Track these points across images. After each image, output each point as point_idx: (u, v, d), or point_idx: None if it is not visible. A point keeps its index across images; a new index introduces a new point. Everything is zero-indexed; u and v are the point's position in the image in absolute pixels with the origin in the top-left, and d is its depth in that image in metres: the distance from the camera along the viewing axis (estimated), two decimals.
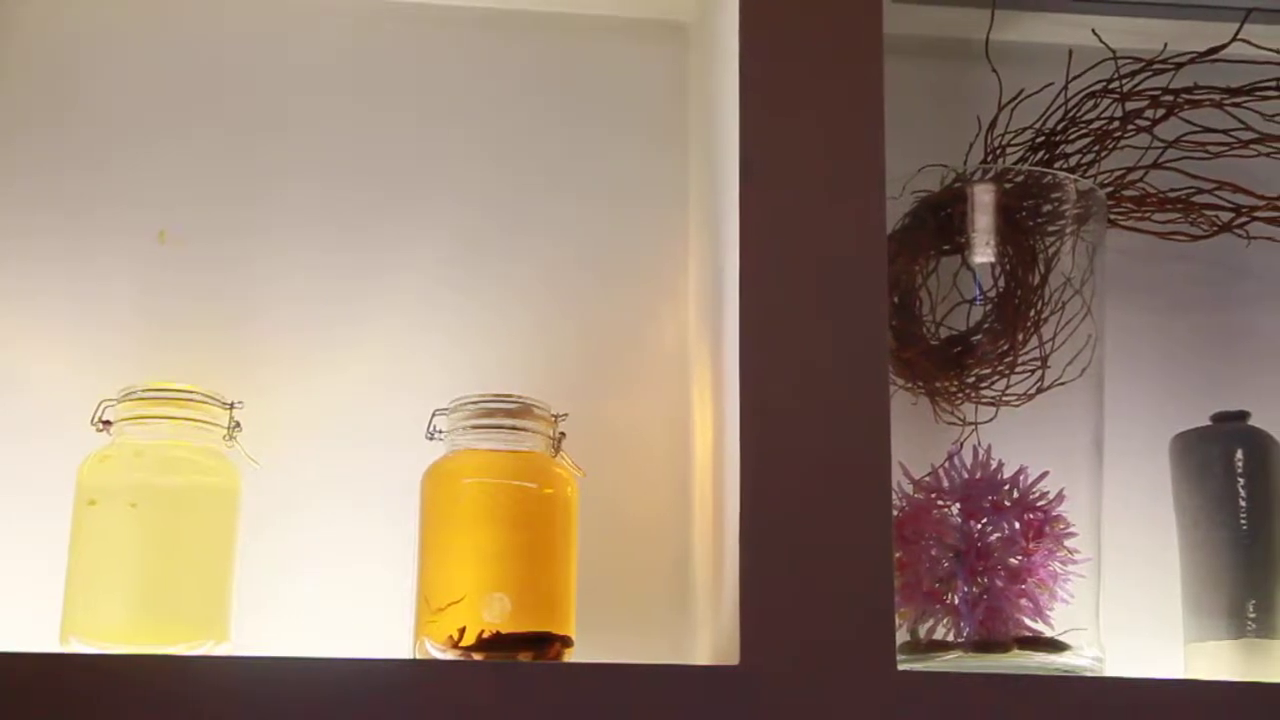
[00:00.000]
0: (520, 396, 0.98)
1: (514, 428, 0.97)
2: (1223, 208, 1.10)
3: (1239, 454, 1.04)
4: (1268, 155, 1.09)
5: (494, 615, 0.93)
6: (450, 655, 0.92)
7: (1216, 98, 1.09)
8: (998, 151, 1.10)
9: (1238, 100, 1.09)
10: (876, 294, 0.90)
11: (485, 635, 0.92)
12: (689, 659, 1.01)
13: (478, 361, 1.08)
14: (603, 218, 1.13)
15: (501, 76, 1.15)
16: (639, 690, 0.84)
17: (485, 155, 1.13)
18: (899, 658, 0.88)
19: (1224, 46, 1.09)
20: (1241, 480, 1.04)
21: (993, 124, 1.10)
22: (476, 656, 0.92)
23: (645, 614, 1.05)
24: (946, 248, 1.03)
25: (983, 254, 1.03)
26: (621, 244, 1.12)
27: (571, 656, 0.95)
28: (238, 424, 0.98)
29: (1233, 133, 1.09)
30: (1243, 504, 1.03)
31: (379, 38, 1.14)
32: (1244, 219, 1.10)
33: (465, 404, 0.98)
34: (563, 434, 0.99)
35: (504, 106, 1.14)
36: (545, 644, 0.93)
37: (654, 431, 1.09)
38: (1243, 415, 1.06)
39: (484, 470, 0.96)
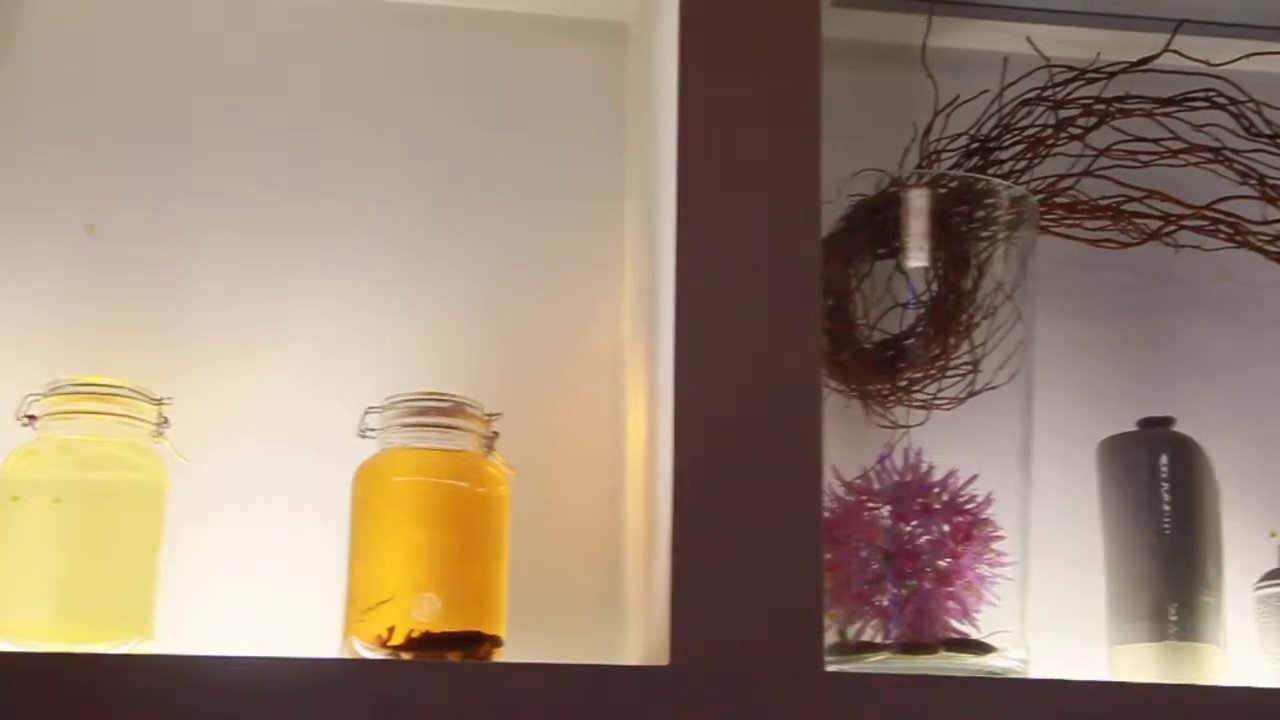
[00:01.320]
0: (453, 395, 0.98)
1: (447, 426, 0.96)
2: (1152, 216, 1.12)
3: (1163, 459, 1.05)
4: (1196, 165, 1.11)
5: (423, 614, 0.92)
6: (379, 654, 0.92)
7: (1147, 107, 1.10)
8: (933, 157, 1.11)
9: (1168, 110, 1.10)
10: (811, 296, 0.90)
11: (414, 635, 0.92)
12: (619, 659, 1.01)
13: (412, 362, 1.08)
14: (539, 218, 1.13)
15: (438, 75, 1.14)
16: (568, 690, 0.83)
17: (421, 155, 1.13)
18: (827, 658, 0.88)
19: (1155, 57, 1.10)
20: (1166, 485, 1.05)
21: (928, 129, 1.11)
22: (405, 656, 0.91)
23: (576, 614, 1.05)
24: (881, 251, 1.04)
25: (916, 258, 1.03)
26: (558, 244, 1.12)
27: (501, 656, 0.94)
28: (165, 420, 0.97)
29: (1162, 142, 1.10)
30: (1166, 509, 1.04)
31: (312, 36, 1.14)
32: (1172, 227, 1.12)
33: (398, 402, 0.97)
34: (496, 433, 0.99)
35: (441, 106, 1.14)
36: (475, 643, 0.93)
37: (587, 432, 1.09)
38: (1168, 421, 1.07)
39: (416, 469, 0.95)
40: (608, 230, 1.12)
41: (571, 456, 1.08)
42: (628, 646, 1.00)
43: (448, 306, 1.10)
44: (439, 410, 0.97)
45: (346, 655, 0.93)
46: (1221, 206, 1.11)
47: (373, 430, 0.98)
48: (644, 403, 1.00)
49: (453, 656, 0.92)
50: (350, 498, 0.97)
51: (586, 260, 1.12)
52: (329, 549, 0.98)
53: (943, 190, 1.05)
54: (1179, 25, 1.12)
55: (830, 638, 0.97)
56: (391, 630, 0.92)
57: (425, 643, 0.92)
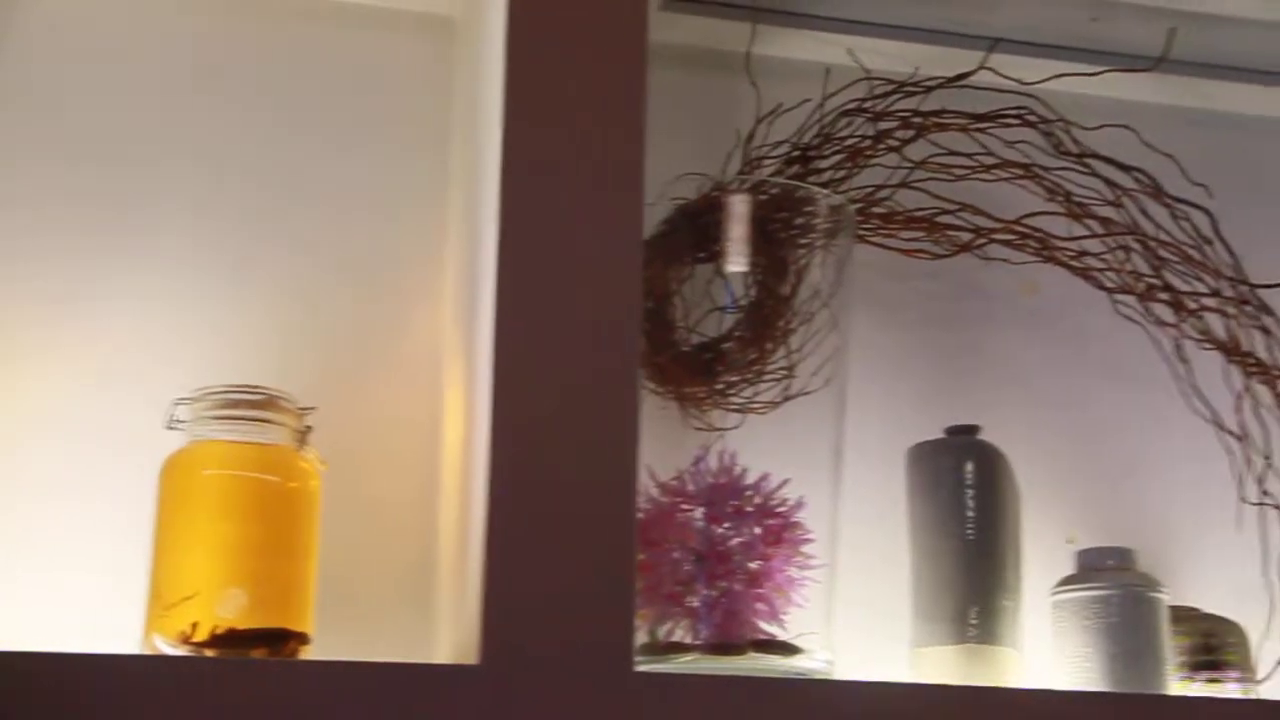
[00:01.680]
0: (266, 388, 0.96)
1: (258, 419, 0.95)
2: (963, 229, 1.14)
3: (969, 466, 1.08)
4: (1007, 180, 1.13)
5: (229, 611, 0.91)
6: (182, 651, 0.90)
7: (962, 122, 1.13)
8: (755, 163, 1.12)
9: (982, 126, 1.13)
10: (631, 298, 0.91)
11: (219, 631, 0.90)
12: (430, 658, 1.00)
13: (227, 357, 1.06)
14: (360, 212, 1.12)
15: (254, 67, 1.12)
16: (376, 689, 0.83)
17: (237, 149, 1.11)
18: (637, 658, 0.88)
19: (971, 73, 1.13)
20: (970, 492, 1.07)
21: (751, 136, 1.12)
22: (209, 653, 0.90)
23: (387, 612, 1.04)
24: (701, 255, 1.04)
25: (736, 263, 1.04)
26: (378, 240, 1.11)
27: (309, 654, 0.93)
28: None
29: (976, 157, 1.13)
30: (970, 515, 1.07)
31: (121, 29, 1.11)
32: (983, 241, 1.14)
33: (209, 394, 0.96)
34: (309, 427, 0.97)
35: (255, 98, 1.12)
36: (281, 640, 0.92)
37: (403, 428, 1.08)
38: (974, 429, 1.10)
39: (225, 461, 0.94)
40: (429, 226, 1.12)
41: (386, 453, 1.07)
42: (439, 645, 1.00)
43: (265, 299, 1.08)
44: (250, 403, 0.95)
45: (148, 652, 0.91)
46: (1030, 222, 1.14)
47: (181, 422, 0.96)
48: (461, 400, 1.00)
49: (258, 653, 0.90)
50: (157, 491, 0.95)
51: (407, 256, 1.11)
52: (134, 543, 0.95)
53: (763, 196, 1.06)
54: (994, 44, 1.14)
55: (641, 638, 0.97)
56: (195, 626, 0.90)
57: (230, 639, 0.90)
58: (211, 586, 0.91)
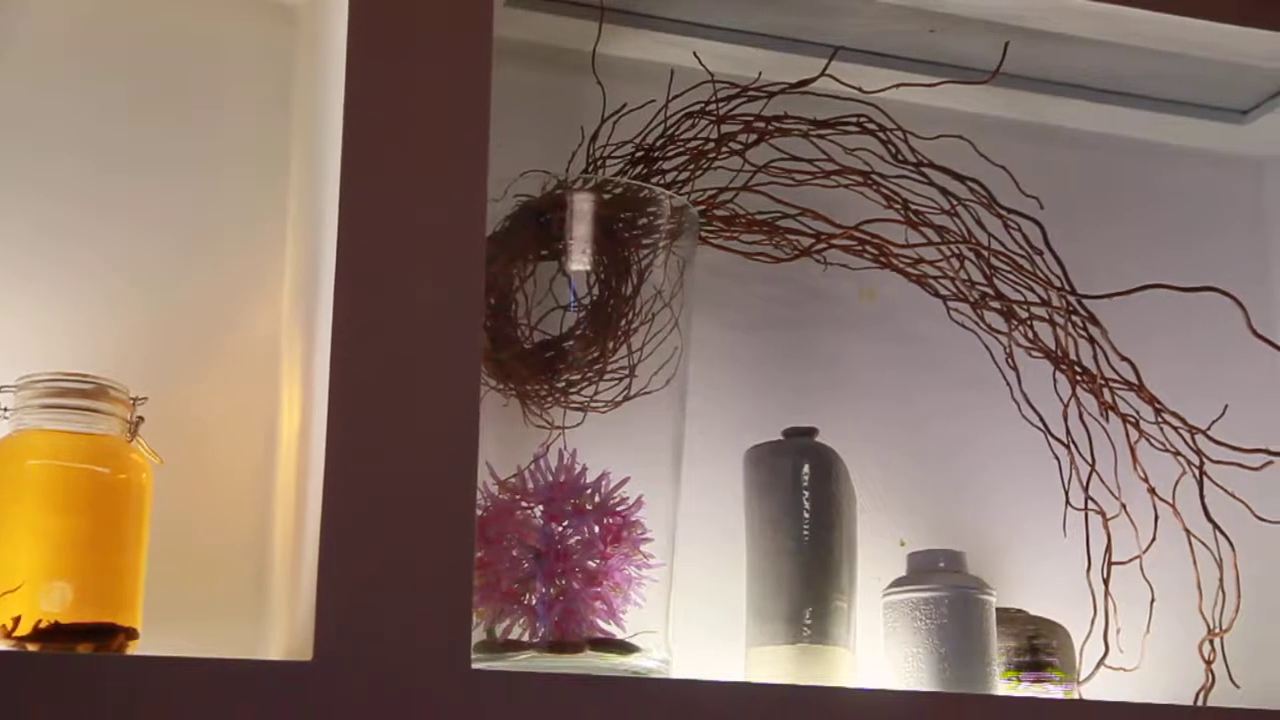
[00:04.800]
0: (96, 377, 0.94)
1: (87, 409, 0.93)
2: (804, 234, 1.16)
3: (805, 468, 1.09)
4: (846, 187, 1.15)
5: (53, 604, 0.88)
6: (3, 645, 0.88)
7: (804, 128, 1.14)
8: (599, 162, 1.12)
9: (822, 132, 1.14)
10: (473, 294, 0.90)
11: (42, 625, 0.88)
12: (264, 654, 0.99)
13: (56, 343, 1.03)
14: (196, 202, 1.09)
15: (92, 50, 1.09)
16: (206, 685, 0.81)
17: (71, 132, 1.08)
18: (474, 656, 0.88)
19: (813, 80, 1.14)
20: (806, 494, 1.09)
21: (595, 135, 1.12)
22: (32, 647, 0.87)
23: (220, 606, 1.03)
24: (545, 253, 1.04)
25: (579, 261, 1.04)
26: (216, 230, 1.09)
27: (138, 649, 0.92)
28: None
29: (816, 163, 1.14)
30: (806, 516, 1.08)
31: None
32: (823, 245, 1.16)
33: (35, 381, 0.93)
34: (141, 418, 0.95)
35: (93, 83, 1.09)
36: (108, 635, 0.90)
37: (239, 421, 1.06)
38: (811, 431, 1.11)
39: (52, 452, 0.91)
40: (268, 217, 1.10)
41: (221, 446, 1.05)
42: (272, 641, 0.98)
43: (97, 288, 1.06)
44: (79, 392, 0.93)
45: None
46: (868, 228, 1.15)
47: (6, 410, 0.93)
48: (299, 393, 0.98)
49: (84, 649, 0.88)
50: None
51: (245, 247, 1.09)
52: None
53: (607, 196, 1.06)
54: (835, 52, 1.16)
55: (478, 635, 0.97)
56: (18, 620, 0.88)
57: (54, 634, 0.88)
58: (36, 579, 0.88)
